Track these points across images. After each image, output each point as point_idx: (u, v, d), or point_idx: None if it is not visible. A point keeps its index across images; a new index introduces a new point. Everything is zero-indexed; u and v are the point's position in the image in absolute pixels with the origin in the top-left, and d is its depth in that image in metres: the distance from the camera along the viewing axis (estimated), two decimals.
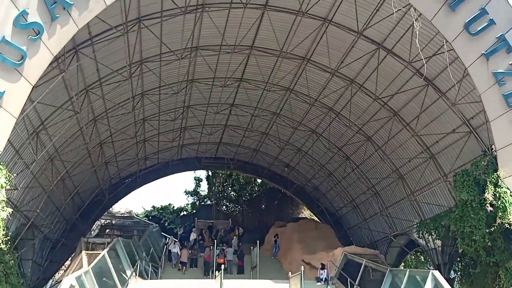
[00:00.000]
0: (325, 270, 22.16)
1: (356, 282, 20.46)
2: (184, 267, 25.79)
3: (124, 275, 20.30)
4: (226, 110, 27.97)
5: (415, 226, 24.23)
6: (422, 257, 31.38)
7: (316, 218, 37.11)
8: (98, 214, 31.73)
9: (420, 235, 23.74)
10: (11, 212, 14.10)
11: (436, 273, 18.16)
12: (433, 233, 22.63)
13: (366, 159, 26.21)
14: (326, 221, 33.90)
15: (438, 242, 22.71)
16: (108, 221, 36.12)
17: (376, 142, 24.64)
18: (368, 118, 23.47)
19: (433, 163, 21.59)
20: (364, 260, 21.44)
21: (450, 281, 20.91)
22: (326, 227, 31.59)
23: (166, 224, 38.02)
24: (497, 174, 15.30)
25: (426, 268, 28.04)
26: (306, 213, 40.54)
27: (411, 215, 24.80)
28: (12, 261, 19.87)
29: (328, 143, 27.62)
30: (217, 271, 19.81)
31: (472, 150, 18.43)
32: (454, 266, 23.81)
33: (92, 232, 33.17)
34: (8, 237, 18.98)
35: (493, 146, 15.95)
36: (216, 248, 25.93)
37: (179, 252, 26.48)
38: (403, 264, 29.55)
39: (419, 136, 21.33)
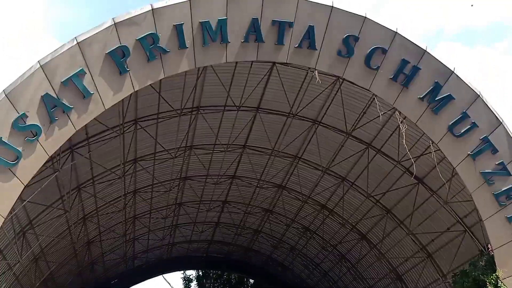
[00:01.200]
0: None
1: None
2: None
3: None
4: (218, 207, 27.80)
5: None
6: None
7: None
8: None
9: None
10: None
11: None
12: None
13: (361, 258, 25.54)
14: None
15: None
16: None
17: (371, 240, 24.22)
18: (361, 215, 23.32)
19: (430, 263, 21.04)
20: None
21: None
22: None
23: None
24: (496, 275, 14.89)
25: None
26: None
27: None
28: None
29: (322, 241, 27.09)
30: None
31: (469, 249, 18.08)
32: None
33: None
34: None
35: (489, 246, 15.72)
36: None
37: None
38: None
39: (414, 234, 21.05)
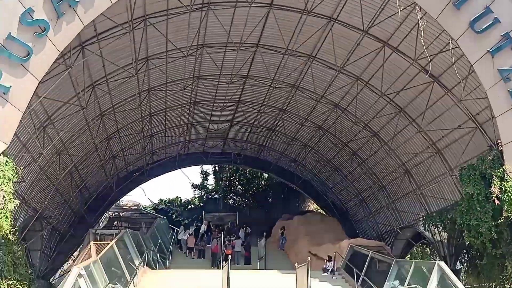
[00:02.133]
0: (332, 262, 22.36)
1: (362, 273, 20.64)
2: (192, 252, 27.10)
3: (132, 265, 20.68)
4: (232, 106, 28.14)
5: (421, 219, 24.34)
6: (428, 249, 31.43)
7: (322, 212, 37.28)
8: (106, 207, 32.20)
9: (426, 228, 23.87)
10: (18, 204, 14.40)
11: (442, 264, 18.33)
12: (439, 226, 22.79)
13: (372, 154, 26.24)
14: (333, 214, 34.09)
15: (444, 235, 22.86)
16: (116, 213, 36.61)
17: (382, 137, 24.67)
18: (374, 114, 23.50)
19: (439, 158, 21.60)
20: (370, 251, 21.60)
21: (456, 272, 21.06)
22: (332, 220, 31.79)
23: (173, 217, 38.44)
24: (503, 169, 15.43)
25: (432, 259, 28.12)
26: (313, 206, 40.73)
27: (417, 208, 24.89)
28: (21, 252, 20.35)
29: (334, 138, 27.68)
30: (224, 262, 20.08)
31: (478, 145, 18.41)
32: (460, 257, 23.95)
33: (100, 224, 33.68)
34: (16, 228, 19.54)
35: (498, 141, 16.01)
36: (223, 240, 26.39)
37: (187, 239, 27.39)
38: (409, 256, 29.67)
39: (425, 132, 21.33)
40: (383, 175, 26.93)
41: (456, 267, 23.52)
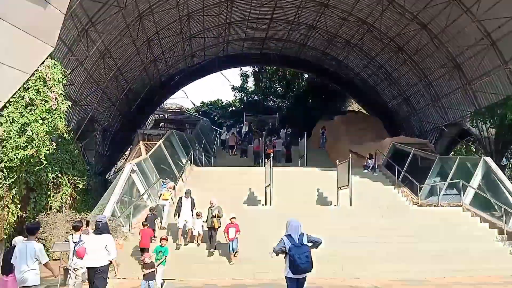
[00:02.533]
0: (373, 159, 22.65)
1: (404, 170, 20.89)
2: (234, 150, 28.38)
3: (179, 163, 21.84)
4: (272, 2, 26.82)
5: (469, 115, 23.68)
6: (472, 147, 31.03)
7: (364, 111, 36.91)
8: (151, 109, 33.24)
9: (474, 124, 23.32)
10: (70, 105, 15.00)
11: (488, 159, 18.22)
12: (487, 122, 22.17)
13: (420, 49, 24.94)
14: (375, 114, 33.68)
15: (492, 131, 22.31)
16: (161, 115, 37.89)
17: (432, 30, 23.16)
18: (424, 4, 21.79)
19: (493, 50, 20.27)
20: (413, 149, 21.60)
21: (502, 168, 20.92)
22: (374, 119, 31.51)
23: (215, 119, 39.36)
24: None
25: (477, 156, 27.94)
26: (354, 106, 40.33)
27: (465, 105, 24.10)
28: (77, 151, 21.79)
29: (379, 34, 26.29)
30: (266, 160, 20.75)
31: None
32: (506, 154, 23.62)
33: (147, 126, 35.11)
34: (70, 128, 20.72)
35: None
36: (265, 140, 27.01)
37: (228, 138, 28.36)
38: (452, 153, 29.45)
39: (479, 21, 19.77)
40: (431, 71, 25.80)
41: (502, 163, 23.28)
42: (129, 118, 29.78)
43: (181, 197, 14.69)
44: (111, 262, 8.32)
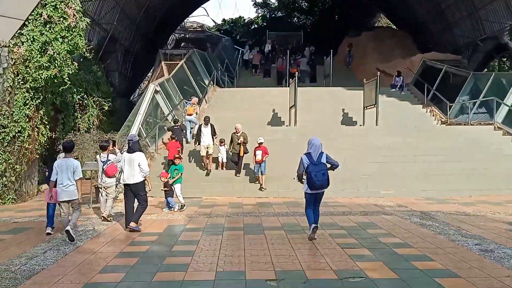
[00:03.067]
0: (401, 77, 21.85)
1: (434, 88, 20.15)
2: (258, 70, 27.68)
3: (202, 84, 21.60)
4: None
5: (507, 28, 22.09)
6: (507, 64, 29.45)
7: (393, 27, 35.01)
8: (172, 28, 32.30)
9: None
10: (89, 22, 14.58)
11: None
12: None
13: None
14: (404, 29, 31.85)
15: None
16: (182, 35, 36.91)
17: None
18: None
19: None
20: (445, 65, 20.64)
21: None
22: (404, 35, 29.92)
23: (237, 38, 38.16)
24: None
25: None
26: (383, 21, 38.25)
27: (505, 17, 22.37)
28: (100, 72, 21.71)
29: None
30: (290, 79, 20.26)
31: None
32: None
33: (168, 46, 34.41)
34: (91, 47, 20.48)
35: None
36: (288, 59, 26.21)
37: (252, 57, 27.76)
38: (486, 70, 28.07)
39: None
40: None
41: None
42: (150, 37, 29.08)
43: (201, 124, 14.41)
44: (145, 179, 8.53)
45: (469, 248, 6.60)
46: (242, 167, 13.79)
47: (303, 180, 7.31)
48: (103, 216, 9.35)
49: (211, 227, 8.46)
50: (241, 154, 13.41)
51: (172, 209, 10.39)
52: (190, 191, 12.89)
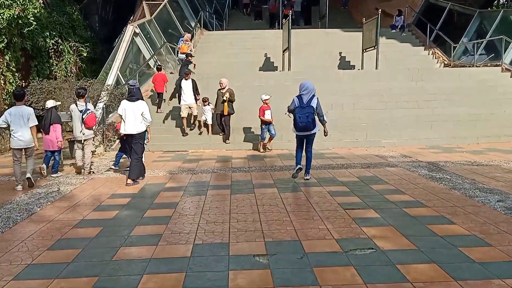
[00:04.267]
0: (402, 17, 20.33)
1: (437, 27, 18.74)
2: (249, 8, 26.22)
3: (188, 27, 19.95)
4: None
5: None
6: None
7: None
8: None
9: None
10: None
11: None
12: None
13: None
14: None
15: None
16: None
17: None
18: None
19: None
20: (450, 3, 19.09)
21: None
22: None
23: None
24: None
25: None
26: None
27: None
28: (76, 14, 19.92)
29: None
30: (284, 20, 18.68)
31: None
32: None
33: None
34: None
35: None
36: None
37: None
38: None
39: None
40: None
41: None
42: None
43: (180, 78, 12.60)
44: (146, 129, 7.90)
45: (491, 206, 5.67)
46: (230, 130, 11.85)
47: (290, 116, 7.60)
48: (83, 169, 8.69)
49: (193, 185, 7.47)
50: (225, 112, 11.44)
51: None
52: (175, 143, 11.87)
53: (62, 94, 11.06)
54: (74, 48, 18.23)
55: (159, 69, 13.75)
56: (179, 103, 12.11)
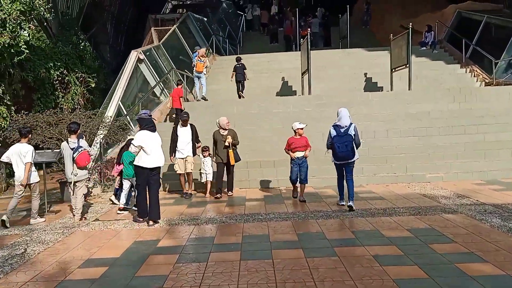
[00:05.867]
0: (432, 32, 18.57)
1: (473, 42, 16.91)
2: (266, 29, 24.95)
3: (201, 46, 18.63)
4: None
5: None
6: None
7: None
8: None
9: None
10: None
11: None
12: None
13: None
14: None
15: None
16: (180, 2, 33.48)
17: None
18: None
19: None
20: (485, 16, 17.29)
21: None
22: None
23: (241, 3, 34.70)
24: None
25: None
26: None
27: None
28: (84, 43, 18.90)
29: None
30: (301, 40, 17.21)
31: None
32: None
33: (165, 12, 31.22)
34: (50, 5, 17.58)
35: None
36: (298, 21, 23.02)
37: (259, 14, 24.86)
38: None
39: None
40: None
41: None
42: (143, 5, 25.94)
43: (176, 126, 9.57)
44: None
45: None
46: (233, 183, 9.21)
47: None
48: (78, 216, 7.60)
49: (193, 243, 5.75)
50: (232, 162, 8.90)
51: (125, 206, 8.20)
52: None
53: (49, 129, 9.62)
54: (81, 79, 17.11)
55: (178, 84, 13.27)
56: (171, 155, 9.05)
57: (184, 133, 9.05)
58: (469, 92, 13.23)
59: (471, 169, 9.85)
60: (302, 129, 8.10)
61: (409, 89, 13.94)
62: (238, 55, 16.31)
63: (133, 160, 7.25)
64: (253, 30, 26.26)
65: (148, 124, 7.01)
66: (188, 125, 9.13)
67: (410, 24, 14.05)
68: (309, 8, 28.18)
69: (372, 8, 25.61)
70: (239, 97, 15.07)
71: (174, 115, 13.15)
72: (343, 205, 7.43)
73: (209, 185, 9.20)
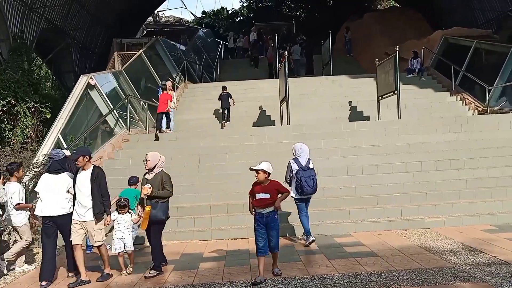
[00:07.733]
0: (419, 59, 17.39)
1: (463, 69, 15.70)
2: (247, 54, 24.49)
3: (169, 79, 17.06)
4: None
5: None
6: None
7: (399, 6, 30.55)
8: (140, 21, 27.70)
9: None
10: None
11: None
12: None
13: None
14: (414, 7, 27.30)
15: None
16: (155, 29, 32.25)
17: None
18: None
19: None
20: (475, 41, 16.20)
21: None
22: (414, 14, 25.46)
23: (220, 31, 33.70)
24: None
25: None
26: (385, 5, 33.81)
27: None
28: (37, 70, 17.25)
29: None
30: (279, 65, 15.83)
31: None
32: None
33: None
34: (23, 41, 16.10)
35: None
36: (278, 49, 21.76)
37: (243, 41, 24.36)
38: None
39: None
40: None
41: None
42: (113, 31, 24.50)
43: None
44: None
45: None
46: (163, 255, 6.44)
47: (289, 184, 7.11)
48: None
49: None
50: (143, 226, 6.00)
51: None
52: None
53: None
54: (33, 109, 15.27)
55: (163, 89, 12.98)
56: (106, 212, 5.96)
57: (83, 179, 5.85)
58: (465, 121, 11.82)
59: (477, 211, 8.26)
60: (260, 172, 5.53)
61: (398, 118, 12.49)
62: (224, 84, 15.13)
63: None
64: (233, 58, 25.22)
65: (50, 167, 6.12)
66: (92, 166, 5.95)
67: (397, 47, 12.75)
68: (290, 36, 27.10)
69: (355, 36, 24.59)
70: (222, 126, 13.91)
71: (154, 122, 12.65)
72: (314, 240, 6.99)
73: (131, 256, 6.29)
